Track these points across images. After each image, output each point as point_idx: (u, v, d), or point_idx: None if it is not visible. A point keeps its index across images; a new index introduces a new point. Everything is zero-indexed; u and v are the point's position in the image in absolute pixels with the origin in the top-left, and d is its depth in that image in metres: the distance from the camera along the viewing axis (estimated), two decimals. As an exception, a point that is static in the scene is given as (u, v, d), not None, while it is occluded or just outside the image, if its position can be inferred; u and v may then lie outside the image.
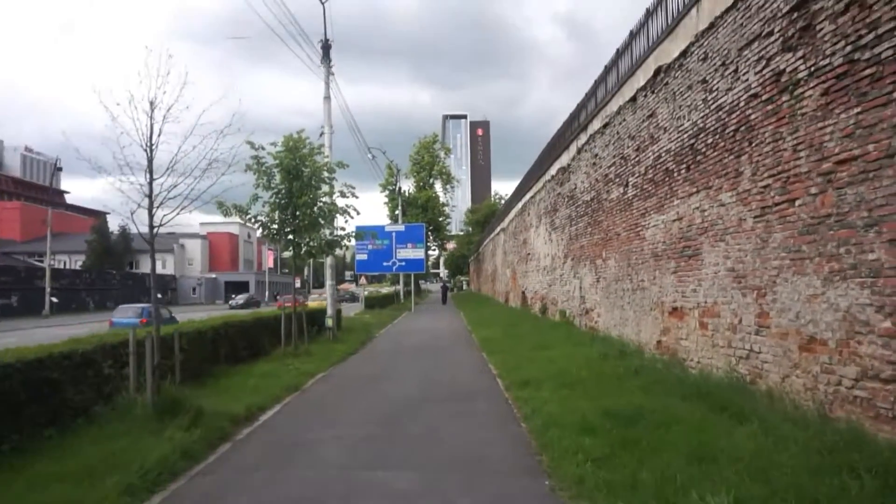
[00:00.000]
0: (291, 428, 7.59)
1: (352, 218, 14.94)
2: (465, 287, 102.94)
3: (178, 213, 7.38)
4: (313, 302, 42.73)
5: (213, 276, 79.06)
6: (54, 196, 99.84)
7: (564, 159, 18.98)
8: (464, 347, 16.56)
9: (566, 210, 18.95)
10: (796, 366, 6.57)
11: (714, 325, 8.61)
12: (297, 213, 13.58)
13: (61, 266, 68.81)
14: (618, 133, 13.38)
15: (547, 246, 22.41)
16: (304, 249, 14.39)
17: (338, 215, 14.78)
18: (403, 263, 38.48)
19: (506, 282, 37.46)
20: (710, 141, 8.73)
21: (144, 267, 77.67)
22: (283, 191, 13.79)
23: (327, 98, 18.49)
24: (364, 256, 38.44)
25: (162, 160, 7.37)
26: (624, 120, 12.90)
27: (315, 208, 14.10)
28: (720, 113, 8.37)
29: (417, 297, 53.06)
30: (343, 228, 15.93)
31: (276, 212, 13.88)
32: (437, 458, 6.13)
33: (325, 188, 14.63)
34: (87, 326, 21.12)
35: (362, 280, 38.91)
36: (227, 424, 7.30)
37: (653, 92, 11.13)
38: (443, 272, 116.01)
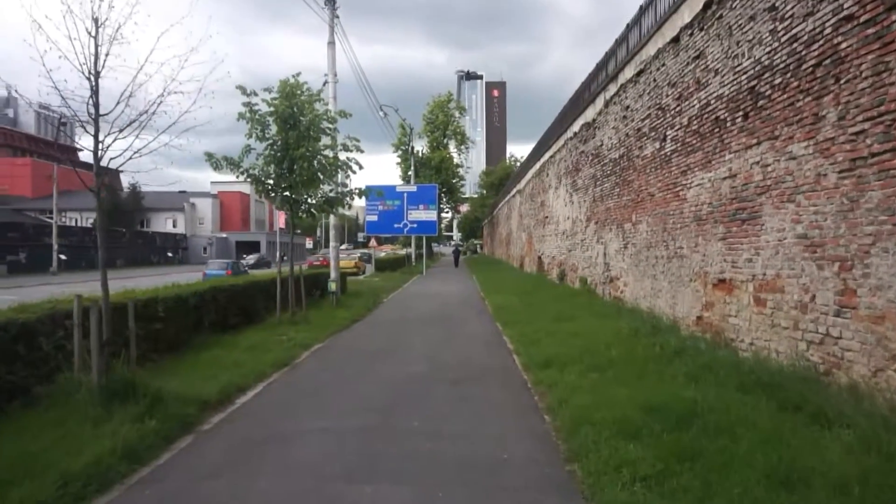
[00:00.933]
0: (271, 415, 6.40)
1: (354, 173, 13.53)
2: (478, 251, 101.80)
3: (129, 158, 6.03)
4: (342, 261, 41.84)
5: (224, 235, 78.26)
6: (62, 152, 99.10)
7: (590, 114, 17.38)
8: (476, 316, 15.33)
9: (590, 170, 17.44)
10: (896, 358, 5.22)
11: (775, 301, 7.24)
12: (294, 166, 12.21)
13: (72, 223, 68.41)
14: (654, 81, 11.81)
15: (567, 208, 20.94)
16: (302, 207, 13.05)
17: (339, 170, 13.36)
18: (415, 225, 37.16)
19: (521, 246, 36.09)
20: (777, 81, 7.21)
21: (156, 225, 77.17)
22: (279, 142, 12.42)
23: (331, 43, 16.87)
24: (374, 217, 37.14)
25: (114, 91, 6.02)
26: (663, 65, 11.31)
27: (315, 162, 12.71)
28: (795, 45, 6.84)
29: (429, 259, 51.91)
30: (345, 185, 14.53)
31: (272, 165, 12.52)
32: (440, 464, 4.90)
33: (326, 140, 13.22)
34: (92, 285, 19.98)
35: (373, 242, 37.64)
36: (192, 411, 6.11)
37: (701, 29, 9.54)
38: (456, 235, 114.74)
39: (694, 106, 9.78)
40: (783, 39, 7.09)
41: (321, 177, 12.79)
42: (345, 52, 21.94)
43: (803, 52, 6.68)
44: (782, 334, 7.08)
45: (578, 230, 18.98)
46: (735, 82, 8.32)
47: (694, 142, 9.79)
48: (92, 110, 5.74)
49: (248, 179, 12.46)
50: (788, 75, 6.97)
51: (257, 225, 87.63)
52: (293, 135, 12.01)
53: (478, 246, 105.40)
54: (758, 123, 7.69)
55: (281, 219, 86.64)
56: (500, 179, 72.89)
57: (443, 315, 15.48)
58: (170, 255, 69.04)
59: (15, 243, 46.57)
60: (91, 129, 5.77)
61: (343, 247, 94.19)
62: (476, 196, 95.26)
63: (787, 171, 7.01)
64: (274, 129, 12.39)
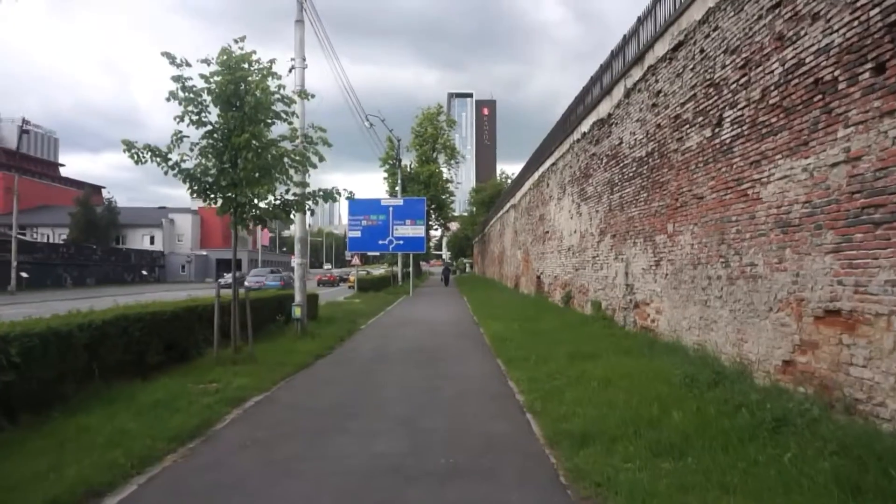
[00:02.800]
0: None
1: (314, 167, 10.70)
2: (468, 270, 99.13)
3: None
4: (353, 276, 38.46)
5: (204, 253, 75.08)
6: (41, 167, 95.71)
7: (604, 109, 14.80)
8: (471, 351, 12.48)
9: (604, 174, 14.82)
10: None
11: (961, 350, 4.53)
12: (238, 159, 9.42)
13: (44, 239, 65.03)
14: (702, 51, 9.22)
15: (573, 221, 18.28)
16: (248, 211, 10.23)
17: (298, 165, 10.49)
18: (401, 242, 34.33)
19: (516, 264, 33.39)
20: (951, 3, 4.59)
21: (132, 242, 73.79)
22: (222, 129, 9.66)
23: (299, 21, 14.14)
24: (357, 234, 34.30)
25: None
26: (716, 28, 8.73)
27: (268, 155, 9.93)
28: None
29: (417, 279, 49.04)
30: (306, 184, 11.67)
31: (211, 158, 9.73)
32: None
33: (283, 130, 10.46)
34: (47, 306, 16.92)
35: (355, 260, 34.73)
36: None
37: (783, -34, 6.96)
38: (445, 254, 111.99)
39: (773, 71, 7.15)
40: (965, -64, 4.48)
41: (273, 173, 9.95)
42: (319, 40, 18.95)
43: None
44: (978, 405, 4.36)
45: (589, 245, 16.30)
46: (856, 22, 5.70)
47: (773, 120, 7.15)
48: None
49: (179, 175, 9.62)
50: (981, -12, 4.35)
51: (240, 242, 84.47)
52: (237, 116, 9.23)
53: (467, 265, 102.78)
54: (908, 75, 5.05)
55: (265, 236, 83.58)
56: (491, 197, 70.59)
57: (430, 349, 12.64)
58: (144, 273, 65.62)
59: (-31, 260, 43.22)
60: None
61: (327, 267, 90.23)
62: (466, 214, 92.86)
63: (982, 140, 4.35)
64: (213, 112, 9.65)
